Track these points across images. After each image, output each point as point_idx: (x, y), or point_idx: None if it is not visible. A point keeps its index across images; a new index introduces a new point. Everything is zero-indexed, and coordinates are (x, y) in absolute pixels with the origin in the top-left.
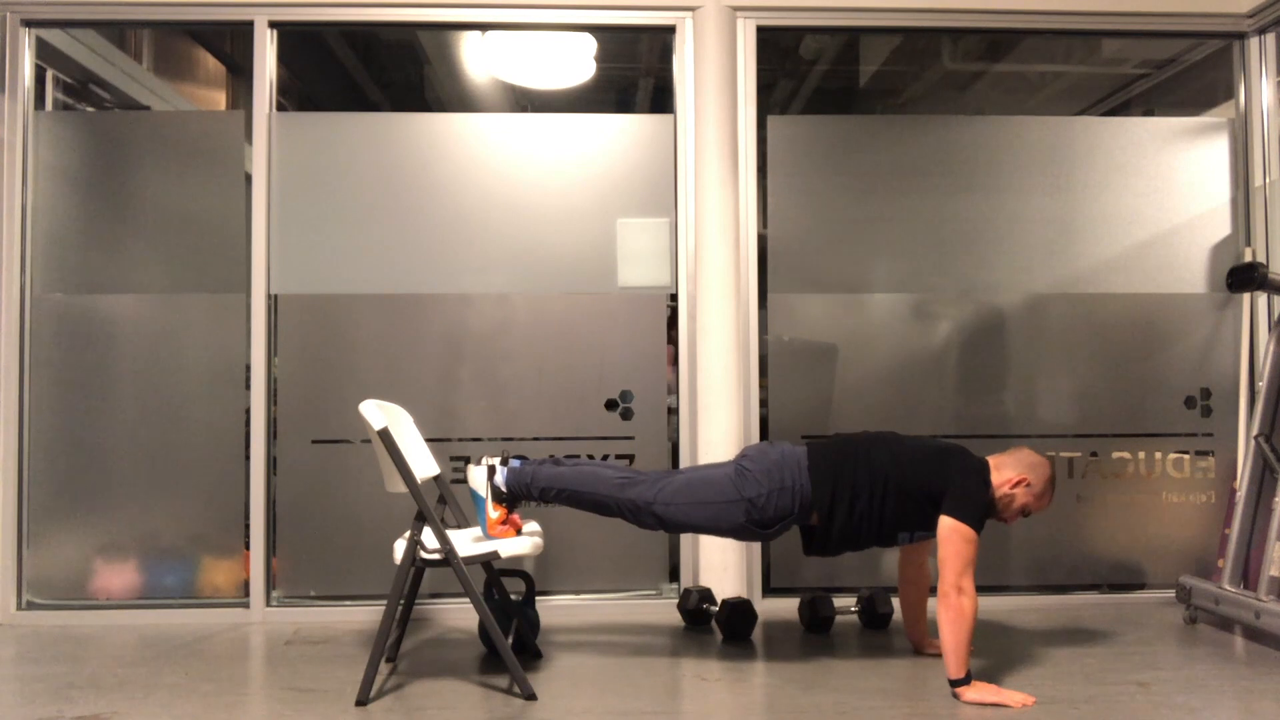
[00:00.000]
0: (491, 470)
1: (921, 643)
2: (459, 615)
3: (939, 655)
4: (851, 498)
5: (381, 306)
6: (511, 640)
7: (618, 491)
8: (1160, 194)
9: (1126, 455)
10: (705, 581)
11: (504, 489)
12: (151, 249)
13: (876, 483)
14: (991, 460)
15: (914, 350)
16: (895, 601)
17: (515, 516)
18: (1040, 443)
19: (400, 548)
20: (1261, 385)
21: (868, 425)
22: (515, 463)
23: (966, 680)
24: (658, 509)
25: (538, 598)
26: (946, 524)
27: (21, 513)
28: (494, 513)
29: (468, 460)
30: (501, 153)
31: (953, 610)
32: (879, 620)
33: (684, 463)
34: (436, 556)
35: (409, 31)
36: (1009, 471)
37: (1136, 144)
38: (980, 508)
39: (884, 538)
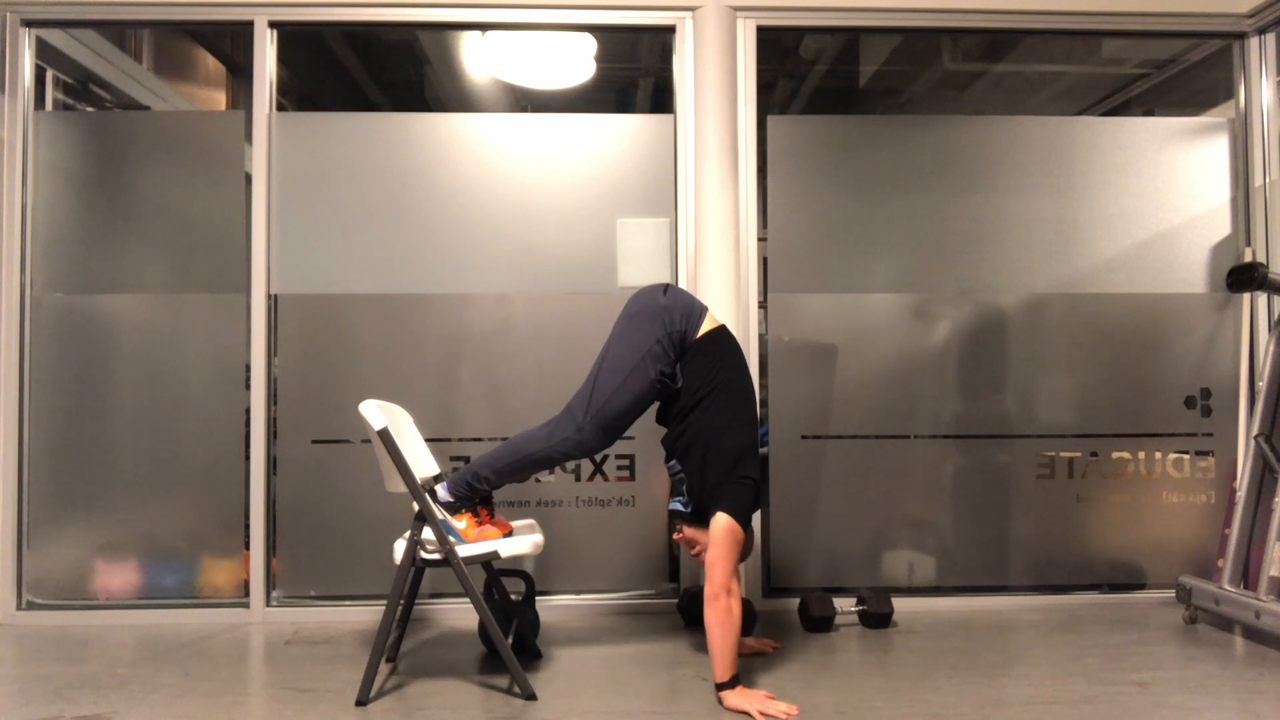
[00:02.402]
0: (432, 493)
1: None
2: (459, 615)
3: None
4: (694, 388)
5: (381, 306)
6: (511, 640)
7: (548, 440)
8: (1160, 194)
9: (1126, 455)
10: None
11: (450, 499)
12: (151, 249)
13: (705, 412)
14: None
15: (914, 350)
16: (894, 601)
17: (501, 518)
18: (1040, 443)
19: (400, 548)
20: (1261, 385)
21: (868, 425)
22: (452, 474)
23: (733, 684)
24: (588, 428)
25: (538, 598)
26: (723, 522)
27: (21, 513)
28: (460, 523)
29: (467, 460)
30: (501, 153)
31: (723, 612)
32: (879, 620)
33: None
34: (436, 556)
35: (409, 31)
36: None
37: (1136, 144)
38: (750, 515)
39: (672, 444)
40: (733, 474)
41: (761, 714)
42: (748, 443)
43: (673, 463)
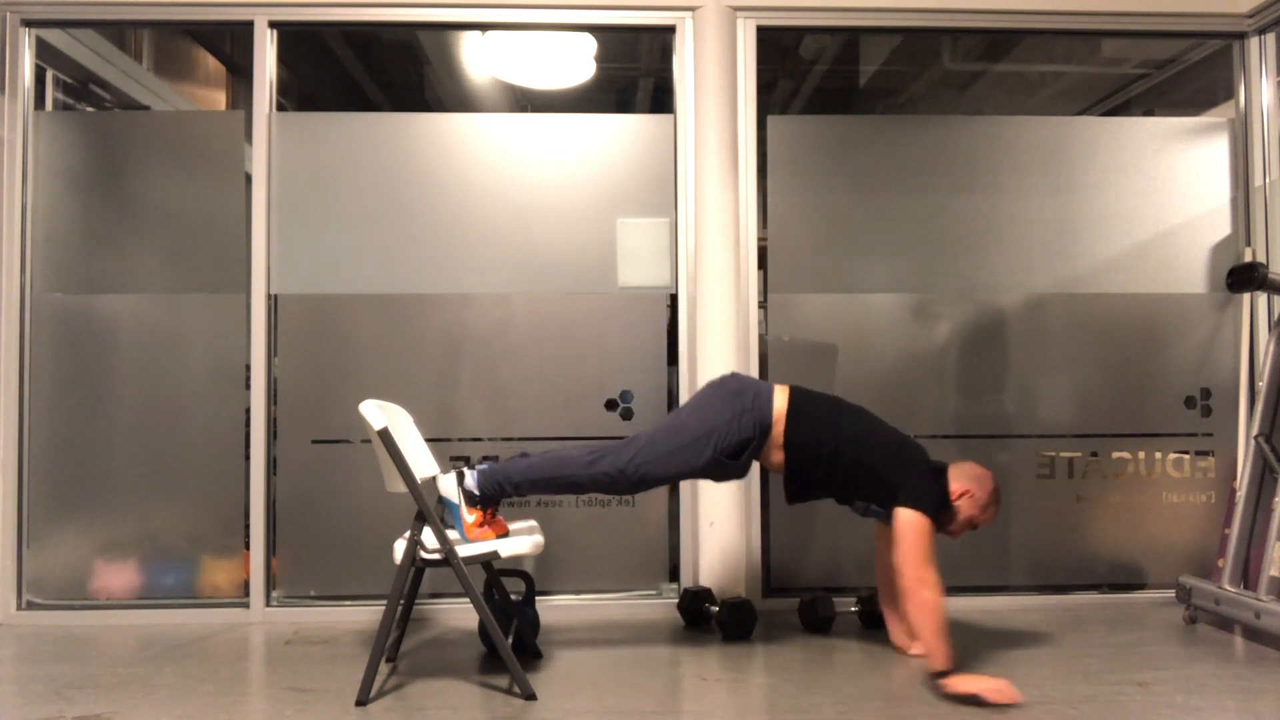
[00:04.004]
0: (461, 475)
1: (906, 644)
2: (459, 615)
3: (923, 656)
4: (817, 444)
5: (381, 306)
6: (511, 640)
7: (587, 468)
8: (1160, 194)
9: (1126, 455)
10: (705, 581)
11: (476, 491)
12: (151, 249)
13: (843, 443)
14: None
15: (914, 350)
16: None
17: (500, 519)
18: (1040, 443)
19: (400, 548)
20: (1261, 385)
21: None
22: (484, 465)
23: (951, 671)
24: (630, 472)
25: (538, 598)
26: (905, 515)
27: (21, 513)
28: (469, 516)
29: (467, 460)
30: (501, 153)
31: (920, 604)
32: (879, 620)
33: None
34: (436, 556)
35: (409, 31)
36: (955, 484)
37: (1136, 144)
38: (936, 502)
39: (842, 495)
40: (903, 467)
41: (992, 692)
42: (896, 436)
43: (859, 504)
